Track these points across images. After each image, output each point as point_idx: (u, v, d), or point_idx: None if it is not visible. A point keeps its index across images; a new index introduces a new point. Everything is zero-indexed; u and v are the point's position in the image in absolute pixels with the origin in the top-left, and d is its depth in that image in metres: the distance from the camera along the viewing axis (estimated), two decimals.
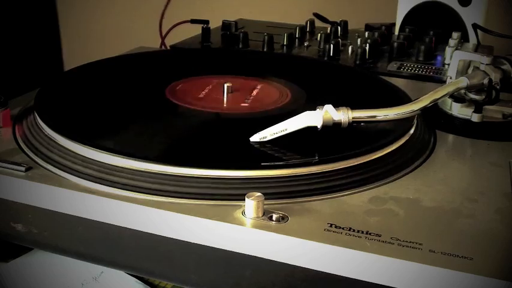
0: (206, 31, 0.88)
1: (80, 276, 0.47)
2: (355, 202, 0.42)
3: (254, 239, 0.39)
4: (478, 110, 0.58)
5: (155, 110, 0.57)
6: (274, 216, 0.40)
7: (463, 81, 0.57)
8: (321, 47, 0.86)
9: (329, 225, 0.39)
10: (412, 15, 0.97)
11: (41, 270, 0.48)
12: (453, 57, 0.62)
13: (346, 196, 0.43)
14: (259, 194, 0.40)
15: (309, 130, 0.49)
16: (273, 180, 0.44)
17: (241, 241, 0.39)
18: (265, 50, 0.85)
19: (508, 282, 0.34)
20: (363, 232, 0.38)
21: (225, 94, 0.60)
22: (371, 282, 0.36)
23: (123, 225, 0.42)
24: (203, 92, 0.61)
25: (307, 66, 0.75)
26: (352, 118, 0.49)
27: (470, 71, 0.60)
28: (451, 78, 0.61)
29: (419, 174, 0.48)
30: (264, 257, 0.38)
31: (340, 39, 0.85)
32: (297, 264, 0.38)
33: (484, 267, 0.35)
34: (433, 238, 0.38)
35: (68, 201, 0.43)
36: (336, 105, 0.49)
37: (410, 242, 0.37)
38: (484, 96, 0.58)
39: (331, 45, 0.81)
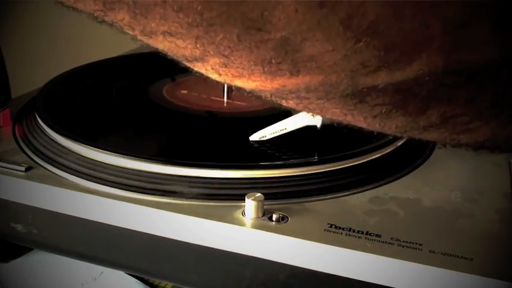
0: None
1: (80, 276, 0.47)
2: (355, 202, 0.42)
3: (254, 239, 0.39)
4: None
5: (155, 110, 0.57)
6: (274, 217, 0.39)
7: None
8: None
9: (329, 225, 0.39)
10: None
11: (41, 270, 0.48)
12: None
13: (346, 196, 0.43)
14: (259, 194, 0.40)
15: (309, 129, 0.49)
16: (273, 180, 0.44)
17: (241, 241, 0.39)
18: None
19: (508, 283, 0.34)
20: (362, 232, 0.38)
21: (224, 94, 0.60)
22: (371, 283, 0.36)
23: (123, 226, 0.42)
24: (203, 92, 0.61)
25: None
26: None
27: None
28: None
29: (419, 174, 0.48)
30: (264, 257, 0.38)
31: None
32: (297, 265, 0.38)
33: (484, 268, 0.35)
34: (433, 238, 0.38)
35: (67, 201, 0.43)
36: None
37: (410, 242, 0.37)
38: None
39: None
